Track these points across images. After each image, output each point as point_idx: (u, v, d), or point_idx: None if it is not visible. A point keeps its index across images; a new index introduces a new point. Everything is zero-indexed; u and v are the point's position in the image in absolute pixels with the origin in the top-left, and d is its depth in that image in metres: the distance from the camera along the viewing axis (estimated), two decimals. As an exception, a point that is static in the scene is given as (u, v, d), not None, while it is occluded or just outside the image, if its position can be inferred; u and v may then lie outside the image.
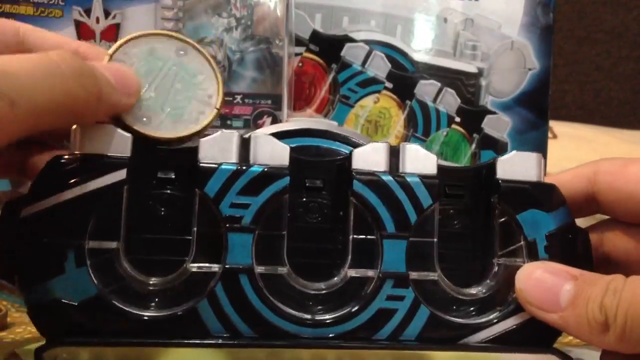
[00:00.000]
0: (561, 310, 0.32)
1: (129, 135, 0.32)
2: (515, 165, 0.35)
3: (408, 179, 0.34)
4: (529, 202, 0.35)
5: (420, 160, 0.34)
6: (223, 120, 0.51)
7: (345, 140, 0.37)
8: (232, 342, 0.33)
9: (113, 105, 0.32)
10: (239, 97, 0.52)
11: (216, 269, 0.33)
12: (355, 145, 0.36)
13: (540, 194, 0.35)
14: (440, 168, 0.35)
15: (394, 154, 0.34)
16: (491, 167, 0.35)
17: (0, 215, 0.32)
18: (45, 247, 0.31)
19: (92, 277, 0.32)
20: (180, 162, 0.33)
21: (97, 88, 0.31)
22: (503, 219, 0.35)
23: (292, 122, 0.36)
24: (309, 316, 0.33)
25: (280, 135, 0.35)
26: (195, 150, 0.33)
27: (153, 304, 0.33)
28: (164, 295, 0.33)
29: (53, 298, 0.31)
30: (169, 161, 0.34)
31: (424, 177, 0.34)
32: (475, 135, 0.57)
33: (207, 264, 0.33)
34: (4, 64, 0.27)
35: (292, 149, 0.34)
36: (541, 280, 0.33)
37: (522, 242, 0.35)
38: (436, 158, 0.35)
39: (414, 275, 0.34)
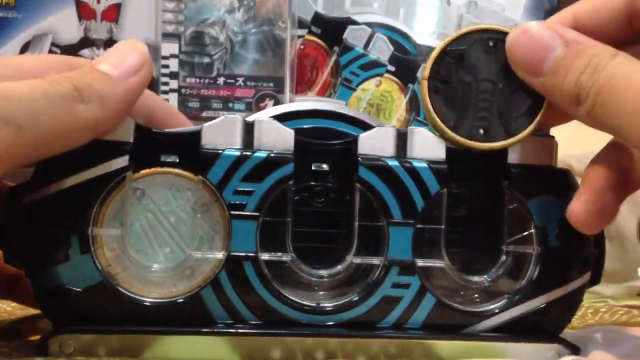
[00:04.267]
0: (542, 75, 0.31)
1: (130, 119, 0.32)
2: (526, 149, 0.34)
3: (415, 165, 0.33)
4: (541, 188, 0.34)
5: (428, 145, 0.34)
6: (225, 102, 0.51)
7: (355, 122, 0.35)
8: (235, 330, 0.32)
9: (125, 94, 0.31)
10: (241, 80, 0.51)
11: (220, 256, 0.32)
12: (365, 126, 0.35)
13: (553, 180, 0.34)
14: (449, 152, 0.34)
15: (402, 138, 0.34)
16: (502, 151, 0.34)
17: (7, 202, 0.32)
18: (48, 235, 0.31)
19: (97, 263, 0.31)
20: (184, 148, 0.33)
21: (96, 96, 0.29)
22: (513, 205, 0.34)
23: (299, 103, 0.35)
24: (313, 303, 0.33)
25: (288, 117, 0.34)
26: (198, 135, 0.32)
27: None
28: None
29: (58, 285, 0.31)
30: (171, 146, 0.33)
31: (432, 163, 0.33)
32: (478, 119, 0.57)
33: (209, 251, 0.33)
34: (7, 89, 0.27)
35: (297, 132, 0.33)
36: (533, 39, 0.32)
37: (532, 229, 0.34)
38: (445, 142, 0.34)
39: (420, 262, 0.33)
